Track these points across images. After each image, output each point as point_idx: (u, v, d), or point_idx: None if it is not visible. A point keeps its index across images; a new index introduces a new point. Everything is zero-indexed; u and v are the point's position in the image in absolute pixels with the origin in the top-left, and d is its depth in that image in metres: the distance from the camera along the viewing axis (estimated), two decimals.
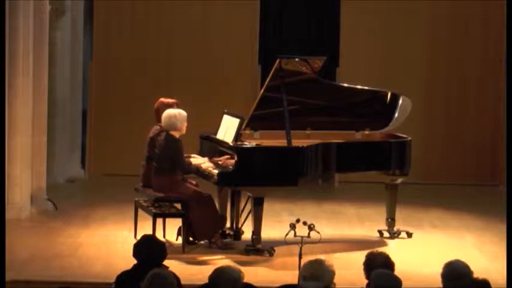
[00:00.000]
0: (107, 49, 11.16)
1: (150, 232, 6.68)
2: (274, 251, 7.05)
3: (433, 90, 11.92)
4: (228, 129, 7.46)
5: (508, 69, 8.69)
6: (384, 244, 7.56)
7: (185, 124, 7.22)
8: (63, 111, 10.40)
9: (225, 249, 7.18)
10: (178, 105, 7.45)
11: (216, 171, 7.12)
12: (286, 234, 5.85)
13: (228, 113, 7.66)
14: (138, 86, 11.02)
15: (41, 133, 8.88)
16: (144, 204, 7.45)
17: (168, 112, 7.22)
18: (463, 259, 4.35)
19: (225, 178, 7.13)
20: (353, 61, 11.16)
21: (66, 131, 10.51)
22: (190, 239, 7.30)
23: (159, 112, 7.39)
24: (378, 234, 7.88)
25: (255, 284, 4.56)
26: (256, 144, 7.38)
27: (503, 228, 7.11)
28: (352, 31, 11.36)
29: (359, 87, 8.11)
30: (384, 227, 7.85)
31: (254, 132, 7.75)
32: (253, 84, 10.81)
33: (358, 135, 8.02)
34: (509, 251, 6.23)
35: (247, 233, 7.47)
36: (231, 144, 7.26)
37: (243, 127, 7.43)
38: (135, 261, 4.69)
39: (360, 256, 4.61)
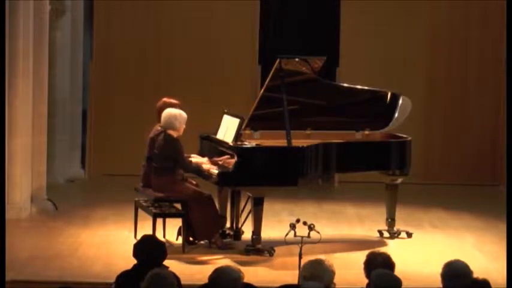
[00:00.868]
0: (107, 49, 11.16)
1: (150, 232, 6.69)
2: (274, 251, 7.05)
3: (433, 90, 11.93)
4: (228, 129, 7.46)
5: (508, 69, 8.69)
6: (384, 244, 7.56)
7: (184, 126, 7.22)
8: (63, 111, 10.40)
9: (225, 249, 7.19)
10: (180, 107, 7.45)
11: (216, 171, 7.12)
12: (286, 234, 5.85)
13: (228, 113, 7.66)
14: (138, 86, 11.03)
15: (41, 133, 8.88)
16: (144, 204, 7.45)
17: (169, 111, 7.22)
18: (463, 259, 4.35)
19: (225, 178, 7.13)
20: (353, 61, 11.17)
21: (66, 131, 10.52)
22: (190, 239, 7.31)
23: (161, 112, 7.38)
24: (377, 234, 7.88)
25: (255, 284, 4.56)
26: (256, 144, 7.38)
27: (503, 228, 7.11)
28: (352, 31, 11.36)
29: (359, 87, 8.11)
30: (383, 227, 7.85)
31: (254, 132, 7.75)
32: (253, 84, 10.81)
33: (358, 135, 8.02)
34: (509, 251, 6.23)
35: (247, 233, 7.47)
36: (231, 144, 7.26)
37: (243, 127, 7.43)
38: (135, 261, 4.69)
39: (360, 256, 4.62)
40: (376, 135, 8.09)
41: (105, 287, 5.54)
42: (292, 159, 7.18)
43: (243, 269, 4.23)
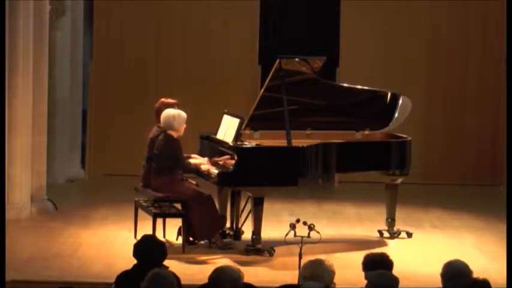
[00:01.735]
0: (107, 49, 11.16)
1: (150, 232, 6.68)
2: (274, 251, 7.05)
3: (433, 90, 11.93)
4: (228, 129, 7.46)
5: (508, 69, 8.69)
6: (384, 244, 7.56)
7: (184, 126, 7.22)
8: (63, 111, 10.40)
9: (225, 249, 7.18)
10: (179, 106, 7.46)
11: (216, 171, 7.12)
12: (286, 234, 5.85)
13: (228, 113, 7.66)
14: (138, 86, 11.03)
15: (41, 133, 8.88)
16: (144, 204, 7.45)
17: (168, 112, 7.22)
18: (463, 259, 4.35)
19: (225, 178, 7.13)
20: (353, 61, 11.17)
21: (66, 131, 10.52)
22: (190, 239, 7.30)
23: (159, 112, 7.38)
24: (377, 234, 7.88)
25: (255, 284, 4.56)
26: (256, 144, 7.38)
27: (503, 228, 7.11)
28: (352, 31, 11.36)
29: (359, 87, 8.11)
30: (384, 227, 7.85)
31: (254, 132, 7.75)
32: (253, 84, 10.81)
33: (358, 135, 8.02)
34: (509, 251, 6.23)
35: (247, 233, 7.47)
36: (231, 144, 7.26)
37: (243, 127, 7.43)
38: (135, 261, 4.69)
39: (360, 256, 4.62)
40: (376, 135, 8.09)
41: (105, 287, 5.54)
42: (292, 159, 7.18)
43: (243, 269, 4.23)
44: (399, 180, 7.79)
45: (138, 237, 5.57)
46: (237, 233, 7.65)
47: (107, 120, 11.08)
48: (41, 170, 8.84)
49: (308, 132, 7.93)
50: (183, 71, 11.05)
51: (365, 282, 4.32)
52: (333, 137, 7.63)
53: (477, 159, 11.67)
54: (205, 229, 7.22)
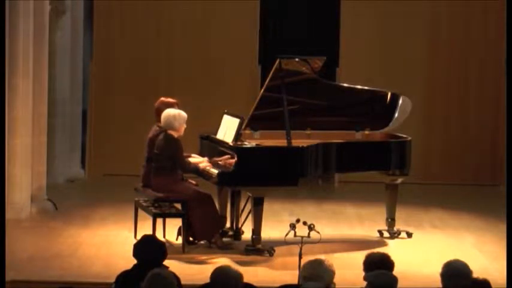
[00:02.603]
0: (107, 49, 11.16)
1: (150, 232, 6.68)
2: (274, 251, 7.05)
3: (433, 90, 11.93)
4: (228, 129, 7.46)
5: (508, 69, 8.69)
6: (384, 244, 7.56)
7: (184, 126, 7.22)
8: (63, 111, 10.40)
9: (225, 249, 7.18)
10: (178, 105, 7.46)
11: (216, 171, 7.12)
12: (286, 234, 5.85)
13: (228, 113, 7.66)
14: (138, 86, 11.02)
15: (41, 133, 8.88)
16: (144, 204, 7.45)
17: (168, 112, 7.22)
18: (463, 259, 4.35)
19: (225, 178, 7.13)
20: (353, 61, 11.17)
21: (66, 131, 10.51)
22: (190, 239, 7.30)
23: (159, 112, 7.38)
24: (377, 234, 7.88)
25: (255, 284, 4.56)
26: (256, 144, 7.37)
27: (503, 228, 7.11)
28: (352, 31, 11.36)
29: (359, 87, 8.11)
30: (384, 227, 7.85)
31: (254, 132, 7.75)
32: (253, 84, 10.81)
33: (358, 135, 8.02)
34: (509, 251, 6.23)
35: (247, 233, 7.46)
36: (231, 144, 7.26)
37: (243, 127, 7.43)
38: (135, 261, 4.69)
39: (360, 256, 4.62)
40: (376, 135, 8.09)
41: (105, 287, 5.54)
42: (292, 159, 7.18)
43: (243, 269, 4.23)
44: (399, 180, 7.79)
45: (138, 237, 5.57)
46: (237, 233, 7.65)
47: (107, 120, 11.08)
48: (41, 170, 8.84)
49: (308, 132, 7.92)
50: (183, 71, 11.05)
51: (365, 282, 4.32)
52: (333, 137, 7.63)
53: (477, 159, 11.67)
54: (205, 229, 7.22)
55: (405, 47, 11.81)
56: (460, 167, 11.39)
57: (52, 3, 9.26)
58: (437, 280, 4.28)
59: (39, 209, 8.61)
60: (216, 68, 11.07)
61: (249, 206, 7.43)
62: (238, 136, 7.32)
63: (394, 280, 4.12)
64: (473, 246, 7.44)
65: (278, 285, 4.84)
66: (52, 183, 9.43)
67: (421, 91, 11.26)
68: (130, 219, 7.58)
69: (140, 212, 7.48)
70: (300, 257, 5.33)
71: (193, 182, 7.49)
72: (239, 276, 4.10)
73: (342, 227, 8.39)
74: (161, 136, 7.23)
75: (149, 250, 4.71)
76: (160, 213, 7.25)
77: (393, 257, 4.51)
